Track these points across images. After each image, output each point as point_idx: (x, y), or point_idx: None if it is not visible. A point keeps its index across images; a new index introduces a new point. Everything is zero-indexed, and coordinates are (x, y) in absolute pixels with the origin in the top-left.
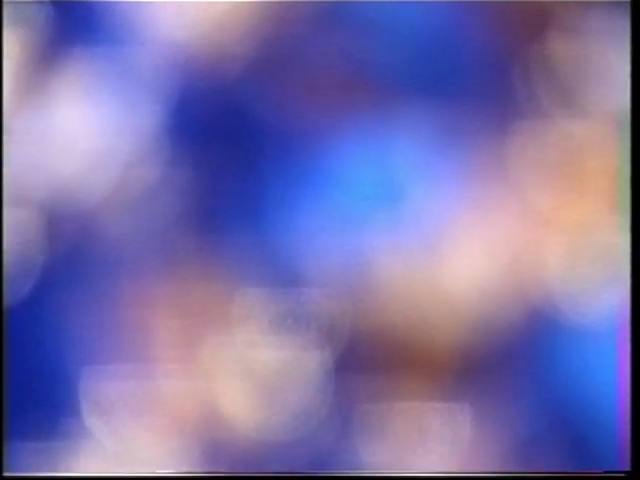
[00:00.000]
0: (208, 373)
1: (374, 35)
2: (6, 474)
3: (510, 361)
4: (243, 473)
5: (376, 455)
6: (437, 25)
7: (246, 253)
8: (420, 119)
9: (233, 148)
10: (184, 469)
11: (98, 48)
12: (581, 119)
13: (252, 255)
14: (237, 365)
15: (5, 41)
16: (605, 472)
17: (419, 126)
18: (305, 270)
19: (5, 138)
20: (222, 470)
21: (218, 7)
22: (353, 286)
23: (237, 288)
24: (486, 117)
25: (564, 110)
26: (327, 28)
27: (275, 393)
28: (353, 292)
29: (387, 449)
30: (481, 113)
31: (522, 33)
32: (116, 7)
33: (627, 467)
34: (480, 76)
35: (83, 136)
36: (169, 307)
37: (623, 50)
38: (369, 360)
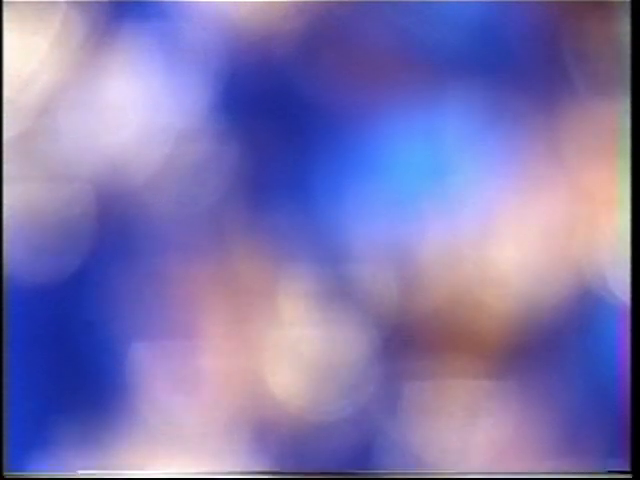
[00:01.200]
0: (256, 351)
1: (423, 14)
2: (6, 474)
3: (560, 341)
4: (244, 473)
5: (424, 434)
6: (487, 3)
7: (294, 231)
8: (469, 98)
9: (282, 125)
10: (231, 447)
11: (148, 24)
12: (633, 97)
13: (300, 233)
14: (285, 343)
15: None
16: (605, 472)
17: (468, 105)
18: (353, 248)
19: (56, 112)
20: (270, 449)
21: None
22: (402, 265)
23: (285, 266)
24: (536, 96)
25: (613, 89)
26: (376, 7)
27: (323, 371)
28: (402, 271)
29: (435, 427)
30: (531, 92)
31: (575, 11)
32: None
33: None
34: (531, 54)
35: (132, 112)
36: (217, 284)
37: None
38: (417, 339)
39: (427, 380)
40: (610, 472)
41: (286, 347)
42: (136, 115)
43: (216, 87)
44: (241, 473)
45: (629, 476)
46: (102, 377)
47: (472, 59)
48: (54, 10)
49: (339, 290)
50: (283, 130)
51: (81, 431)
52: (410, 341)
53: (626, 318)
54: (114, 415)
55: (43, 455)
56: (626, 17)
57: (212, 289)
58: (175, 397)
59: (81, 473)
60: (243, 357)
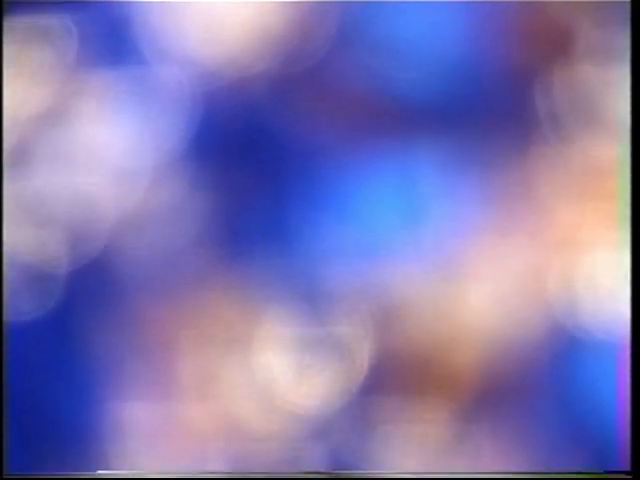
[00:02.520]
0: (231, 394)
1: (395, 56)
2: (6, 475)
3: (533, 381)
4: (245, 473)
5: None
6: (458, 47)
7: (269, 273)
8: (442, 141)
9: (256, 168)
10: None
11: (121, 68)
12: (604, 140)
13: (275, 275)
14: (261, 386)
15: (24, 56)
16: (605, 472)
17: (441, 148)
18: (328, 290)
19: (29, 157)
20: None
21: (241, 27)
22: (376, 307)
23: (260, 309)
24: (508, 139)
25: (587, 131)
26: (349, 49)
27: (297, 416)
28: (376, 313)
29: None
30: (503, 135)
31: (543, 55)
32: (139, 27)
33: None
34: (502, 98)
35: (106, 155)
36: (191, 328)
37: None
38: (391, 382)
39: (401, 422)
40: (610, 472)
41: (261, 391)
42: (110, 158)
43: (190, 129)
44: (241, 473)
45: (629, 476)
46: (74, 424)
47: (444, 101)
48: (28, 53)
49: (314, 333)
50: (258, 172)
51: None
52: (384, 384)
53: (599, 356)
54: (87, 461)
55: None
56: (626, 17)
57: (186, 333)
58: (149, 441)
59: (81, 473)
60: (218, 402)
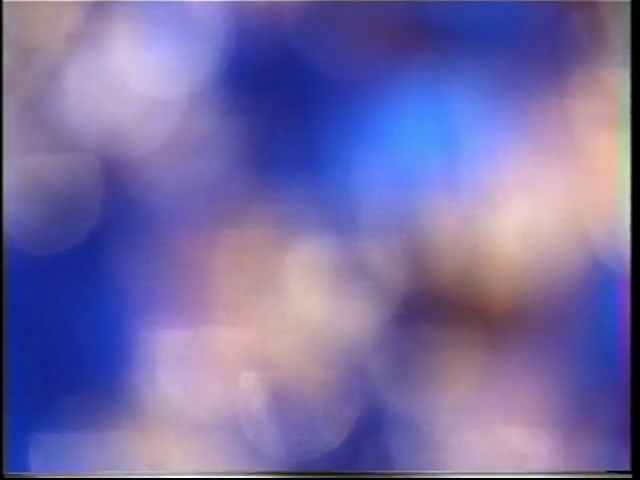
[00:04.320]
0: (265, 323)
1: None
2: (6, 474)
3: (568, 314)
4: (245, 473)
5: (429, 406)
6: None
7: (302, 203)
8: (477, 68)
9: (289, 97)
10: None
11: None
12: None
13: (309, 205)
14: (293, 315)
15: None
16: (605, 472)
17: (476, 76)
18: (361, 220)
19: (61, 82)
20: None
21: None
22: (410, 236)
23: (294, 237)
24: (545, 66)
25: (623, 60)
26: None
27: (331, 343)
28: (410, 242)
29: (441, 400)
30: (538, 65)
31: None
32: None
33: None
34: (539, 25)
35: (138, 82)
36: (225, 256)
37: None
38: (424, 310)
39: (434, 352)
40: (610, 472)
41: (295, 319)
42: (142, 86)
43: (223, 59)
44: (241, 473)
45: (629, 476)
46: (110, 350)
47: (480, 28)
48: (1, 35)
49: (347, 262)
50: (290, 102)
51: (90, 409)
52: (418, 314)
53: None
54: (121, 390)
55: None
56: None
57: (220, 262)
58: (182, 369)
59: (81, 473)
60: (252, 329)
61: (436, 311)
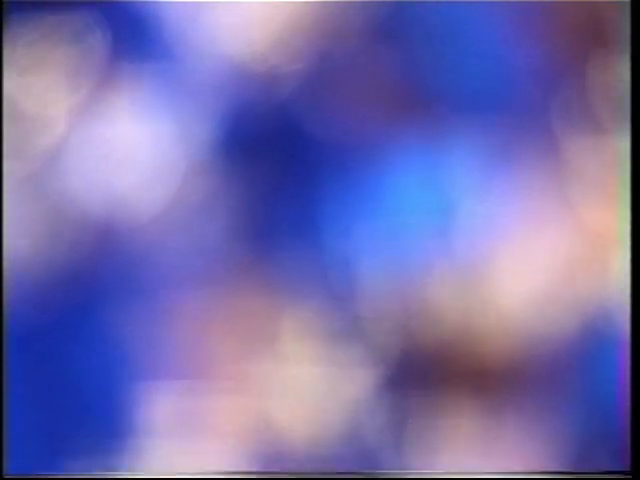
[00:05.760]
0: (261, 389)
1: (429, 52)
2: (6, 474)
3: (563, 378)
4: (246, 474)
5: (425, 470)
6: (492, 41)
7: (300, 268)
8: (474, 134)
9: (288, 162)
10: None
11: (155, 63)
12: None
13: (305, 270)
14: (289, 381)
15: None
16: (605, 472)
17: (473, 141)
18: (359, 284)
19: (63, 153)
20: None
21: (273, 23)
22: (407, 300)
23: (290, 303)
24: (540, 133)
25: (619, 125)
26: (380, 45)
27: (327, 409)
28: (405, 307)
29: (437, 465)
30: (535, 129)
31: (577, 49)
32: (172, 24)
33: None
34: (535, 92)
35: (139, 151)
36: (223, 321)
37: None
38: (420, 376)
39: (430, 417)
40: (610, 472)
41: (291, 385)
42: (142, 153)
43: (222, 124)
44: (241, 473)
45: (629, 476)
46: (106, 416)
47: (477, 95)
48: (59, 53)
49: (345, 327)
50: (289, 166)
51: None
52: (413, 378)
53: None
54: (118, 455)
55: None
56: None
57: (218, 326)
58: (180, 436)
59: (81, 473)
60: (249, 395)
61: (431, 376)
